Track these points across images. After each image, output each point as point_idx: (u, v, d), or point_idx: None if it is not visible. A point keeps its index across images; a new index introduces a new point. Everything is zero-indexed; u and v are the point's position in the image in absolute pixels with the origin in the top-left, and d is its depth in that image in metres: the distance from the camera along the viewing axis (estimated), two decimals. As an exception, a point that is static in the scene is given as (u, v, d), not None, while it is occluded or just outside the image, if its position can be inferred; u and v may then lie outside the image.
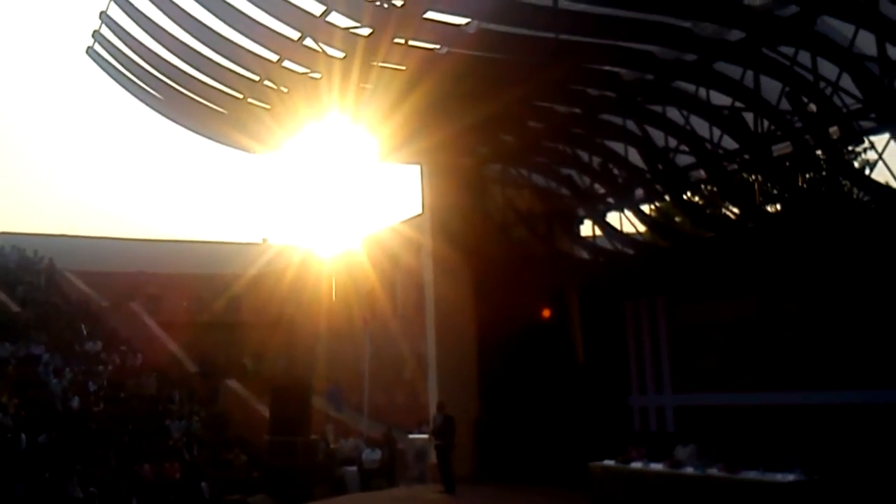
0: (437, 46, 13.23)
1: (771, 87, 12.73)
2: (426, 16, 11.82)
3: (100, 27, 15.73)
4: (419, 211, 20.23)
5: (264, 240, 41.09)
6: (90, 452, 19.26)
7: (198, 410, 24.95)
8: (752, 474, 11.89)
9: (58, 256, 33.28)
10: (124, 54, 15.94)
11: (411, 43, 12.77)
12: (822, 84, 12.24)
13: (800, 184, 14.26)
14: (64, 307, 30.22)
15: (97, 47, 16.36)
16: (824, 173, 14.15)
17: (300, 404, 19.36)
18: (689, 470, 12.92)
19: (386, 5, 11.49)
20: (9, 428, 19.36)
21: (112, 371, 25.73)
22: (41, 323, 27.57)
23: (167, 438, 21.99)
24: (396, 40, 12.42)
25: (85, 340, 27.36)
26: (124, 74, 16.61)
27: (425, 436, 18.64)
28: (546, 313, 17.88)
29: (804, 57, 12.08)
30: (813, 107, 12.36)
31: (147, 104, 17.26)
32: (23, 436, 19.11)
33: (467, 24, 12.71)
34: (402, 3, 11.36)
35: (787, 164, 14.02)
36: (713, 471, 12.54)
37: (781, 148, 13.83)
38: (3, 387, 21.51)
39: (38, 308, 28.93)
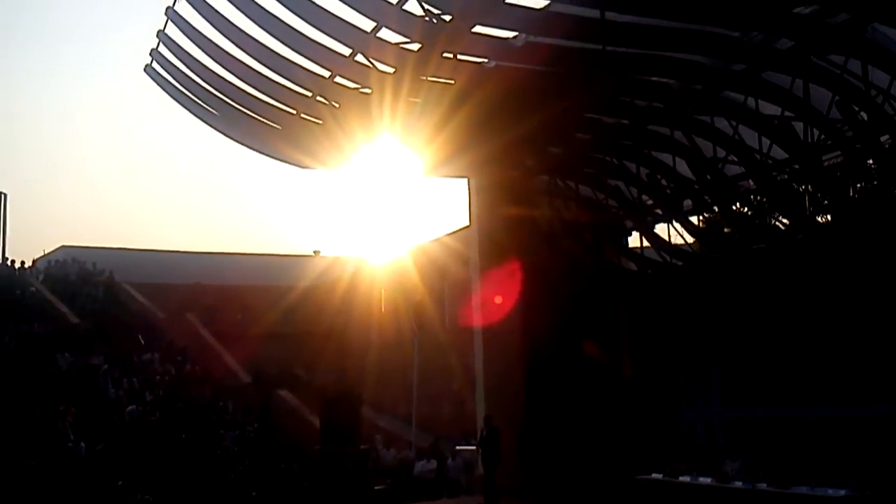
0: (486, 60, 13.41)
1: (821, 96, 12.64)
2: (474, 30, 12.01)
3: (157, 45, 16.23)
4: (467, 223, 20.40)
5: (316, 252, 41.61)
6: (146, 460, 19.67)
7: (251, 420, 25.32)
8: (802, 489, 11.74)
9: (116, 269, 34.04)
10: (181, 72, 16.41)
11: (460, 57, 12.97)
12: (873, 92, 12.13)
13: (851, 194, 14.08)
14: (122, 318, 30.91)
15: (155, 65, 16.88)
16: (876, 182, 13.94)
17: (350, 415, 19.51)
18: (738, 484, 12.82)
19: (435, 20, 11.69)
20: (68, 436, 19.86)
21: (168, 381, 26.23)
22: (100, 334, 28.20)
23: (221, 447, 22.35)
24: (445, 55, 12.63)
25: (142, 351, 27.94)
26: (181, 91, 17.09)
27: (472, 447, 18.71)
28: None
29: (854, 65, 12.00)
30: (864, 115, 12.25)
31: (203, 120, 17.70)
32: (82, 444, 19.57)
33: (515, 37, 12.86)
34: (450, 17, 11.55)
35: (838, 173, 13.87)
36: (762, 485, 12.42)
37: (832, 157, 13.72)
38: (62, 396, 22.07)
39: (97, 319, 29.57)
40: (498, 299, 18.33)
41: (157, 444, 21.01)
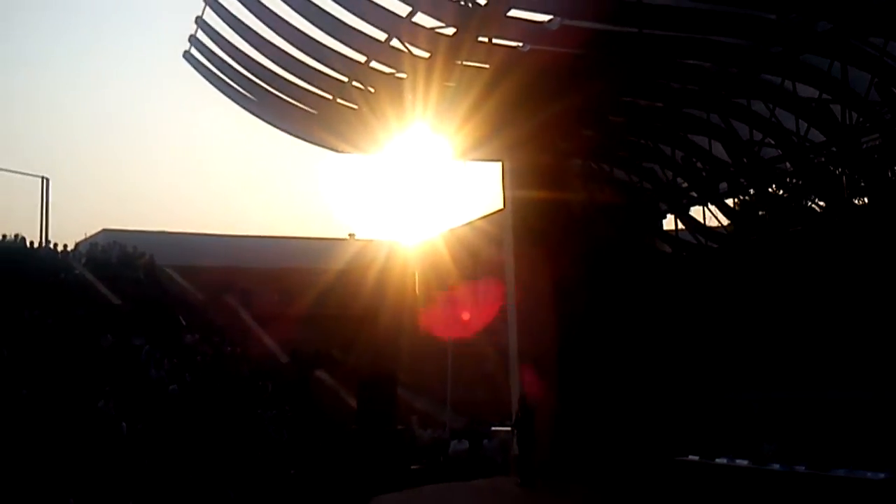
0: (520, 44, 13.43)
1: (859, 78, 12.52)
2: (509, 14, 12.03)
3: (196, 32, 16.45)
4: (500, 206, 20.44)
5: (351, 235, 41.86)
6: (187, 439, 20.08)
7: (289, 400, 25.70)
8: (840, 472, 11.67)
9: (156, 252, 34.56)
10: (219, 58, 16.63)
11: (494, 41, 13.01)
12: (914, 74, 12.00)
13: (889, 176, 13.93)
14: (162, 300, 31.40)
15: (193, 51, 17.11)
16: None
17: (386, 395, 19.79)
18: (776, 466, 12.77)
19: (470, 4, 11.73)
20: (110, 415, 20.33)
21: (208, 361, 26.67)
22: (141, 315, 28.70)
23: (260, 426, 22.74)
24: (480, 39, 12.67)
25: (183, 332, 28.43)
26: (219, 76, 17.31)
27: (507, 428, 18.86)
28: None
29: (894, 47, 11.85)
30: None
31: (240, 105, 17.91)
32: (123, 424, 20.00)
33: (550, 20, 12.85)
34: (485, 1, 11.59)
35: (876, 156, 13.74)
36: (800, 468, 12.37)
37: (870, 140, 13.57)
38: (105, 376, 22.56)
39: (138, 301, 30.10)
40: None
41: (197, 423, 21.42)
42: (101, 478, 16.95)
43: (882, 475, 11.24)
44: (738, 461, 13.50)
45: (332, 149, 18.38)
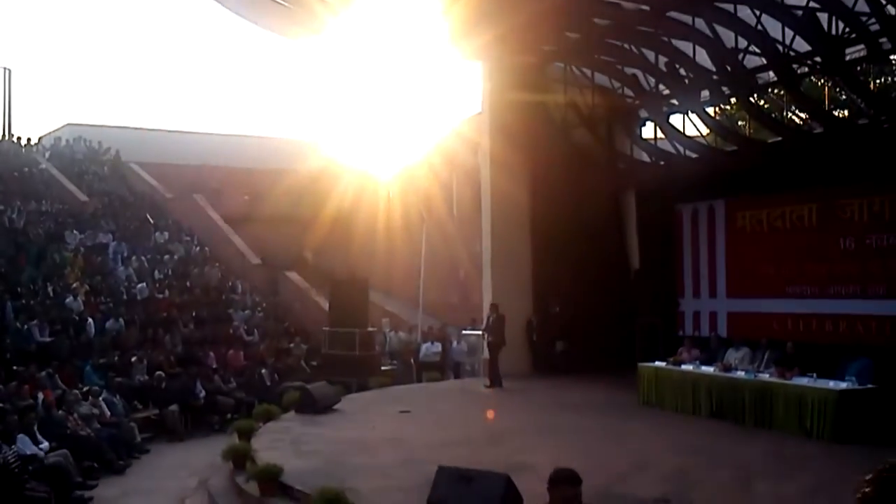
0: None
1: (849, -14, 12.23)
2: None
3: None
4: (478, 110, 20.09)
5: (325, 137, 41.14)
6: (156, 338, 20.01)
7: (259, 301, 25.65)
8: (803, 381, 11.86)
9: (122, 148, 33.78)
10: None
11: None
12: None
13: (871, 89, 13.76)
14: (129, 198, 30.87)
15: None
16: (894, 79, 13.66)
17: (359, 297, 19.78)
18: (740, 374, 12.96)
19: None
20: (78, 312, 20.13)
21: (177, 261, 26.43)
22: (108, 212, 28.23)
23: (230, 326, 22.71)
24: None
25: (151, 230, 28.04)
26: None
27: (478, 332, 19.03)
28: None
29: (887, -46, 11.54)
30: (891, 9, 11.87)
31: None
32: (90, 319, 19.82)
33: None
34: None
35: (859, 67, 13.52)
36: (764, 376, 12.56)
37: (854, 51, 13.35)
38: (72, 273, 22.26)
39: (104, 198, 29.56)
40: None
41: (166, 322, 21.33)
42: (70, 374, 16.86)
43: (844, 385, 11.44)
44: (704, 368, 13.68)
45: (303, 39, 17.80)
